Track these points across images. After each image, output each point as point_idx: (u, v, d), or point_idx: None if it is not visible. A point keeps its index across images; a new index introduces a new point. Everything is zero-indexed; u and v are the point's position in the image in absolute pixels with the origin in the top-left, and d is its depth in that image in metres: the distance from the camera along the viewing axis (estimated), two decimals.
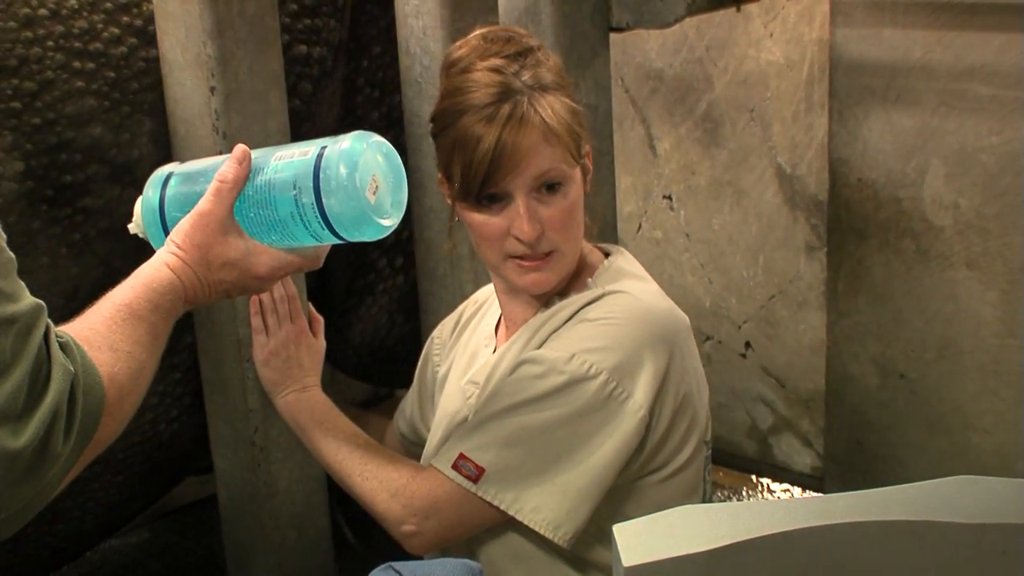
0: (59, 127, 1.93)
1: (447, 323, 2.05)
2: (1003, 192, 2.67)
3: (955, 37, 2.66)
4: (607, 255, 1.82)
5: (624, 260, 1.82)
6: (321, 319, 2.01)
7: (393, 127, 2.37)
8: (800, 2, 3.01)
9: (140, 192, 1.73)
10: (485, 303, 1.96)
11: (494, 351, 1.84)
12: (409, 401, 2.09)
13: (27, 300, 1.17)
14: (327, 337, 2.27)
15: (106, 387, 1.24)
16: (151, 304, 1.38)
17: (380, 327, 2.54)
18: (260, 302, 1.93)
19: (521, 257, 1.68)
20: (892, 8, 2.75)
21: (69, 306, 1.98)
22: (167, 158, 2.04)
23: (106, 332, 1.30)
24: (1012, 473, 2.78)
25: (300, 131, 2.14)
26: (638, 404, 1.63)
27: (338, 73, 2.29)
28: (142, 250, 1.62)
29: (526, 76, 1.63)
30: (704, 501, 1.80)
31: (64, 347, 1.20)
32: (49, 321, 1.20)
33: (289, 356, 1.93)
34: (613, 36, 2.50)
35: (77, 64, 1.94)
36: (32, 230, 1.94)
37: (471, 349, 1.90)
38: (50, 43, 1.91)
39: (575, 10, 2.37)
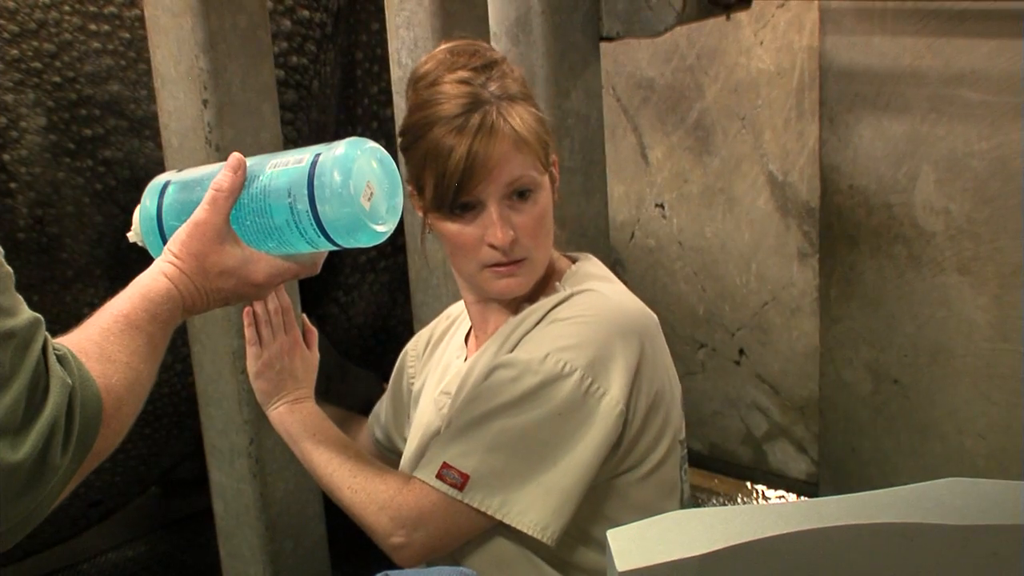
0: (78, 84, 2.10)
1: (421, 337, 2.07)
2: (993, 197, 2.68)
3: (944, 43, 2.67)
4: (574, 262, 1.84)
5: (591, 265, 1.84)
6: (315, 331, 2.01)
7: (391, 103, 2.42)
8: (790, 10, 3.03)
9: (159, 144, 1.77)
10: (458, 318, 1.98)
11: (465, 360, 1.86)
12: (384, 409, 2.11)
13: (25, 314, 1.18)
14: (330, 316, 2.29)
15: (103, 398, 1.24)
16: (148, 314, 1.38)
17: (382, 305, 2.57)
18: (254, 314, 1.93)
19: (495, 265, 1.70)
20: (881, 15, 2.76)
21: (95, 253, 2.16)
22: None
23: (103, 343, 1.30)
24: (1005, 477, 2.78)
25: (311, 89, 2.30)
26: (615, 400, 1.65)
27: (338, 39, 2.39)
28: None
29: (493, 87, 1.66)
30: (682, 501, 1.82)
31: (62, 360, 1.21)
32: (47, 334, 1.20)
33: (283, 368, 1.93)
34: (604, 45, 2.51)
35: (93, 27, 2.11)
36: (57, 180, 2.10)
37: (444, 362, 1.92)
38: (67, 7, 2.08)
39: (566, 20, 2.38)
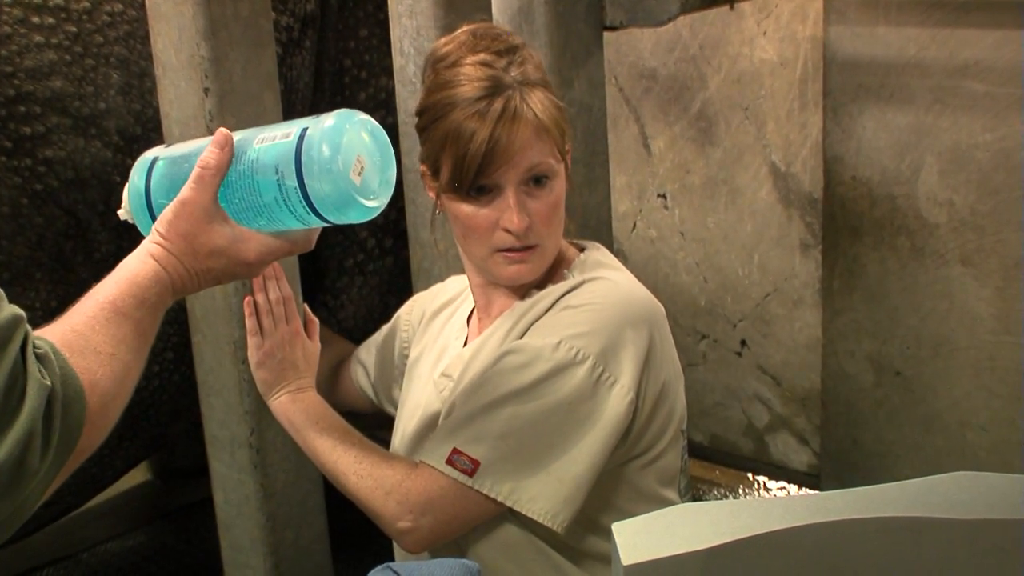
0: (17, 80, 1.97)
1: (417, 302, 2.08)
2: (997, 189, 2.67)
3: (949, 34, 2.66)
4: (582, 250, 1.85)
5: (600, 253, 1.84)
6: (316, 321, 2.01)
7: (380, 108, 2.40)
8: (793, 0, 3.02)
9: (106, 144, 1.69)
10: (459, 296, 1.98)
11: (464, 344, 1.86)
12: (374, 365, 2.12)
13: (4, 312, 1.14)
14: (319, 318, 2.28)
15: (87, 395, 1.21)
16: (136, 300, 1.34)
17: (372, 308, 2.55)
18: (255, 303, 1.93)
19: (508, 250, 1.70)
20: (886, 5, 2.75)
21: (35, 255, 2.07)
22: (139, 110, 2.06)
23: (89, 334, 1.26)
24: (1008, 470, 2.78)
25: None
26: (625, 388, 1.65)
27: (307, 43, 2.33)
28: (110, 201, 1.60)
29: (514, 72, 1.66)
30: (680, 490, 1.83)
31: (42, 358, 1.16)
32: (28, 329, 1.16)
33: (284, 358, 1.93)
34: (607, 35, 2.49)
35: (36, 19, 1.98)
36: None
37: (442, 342, 1.92)
38: None
39: (569, 9, 2.37)
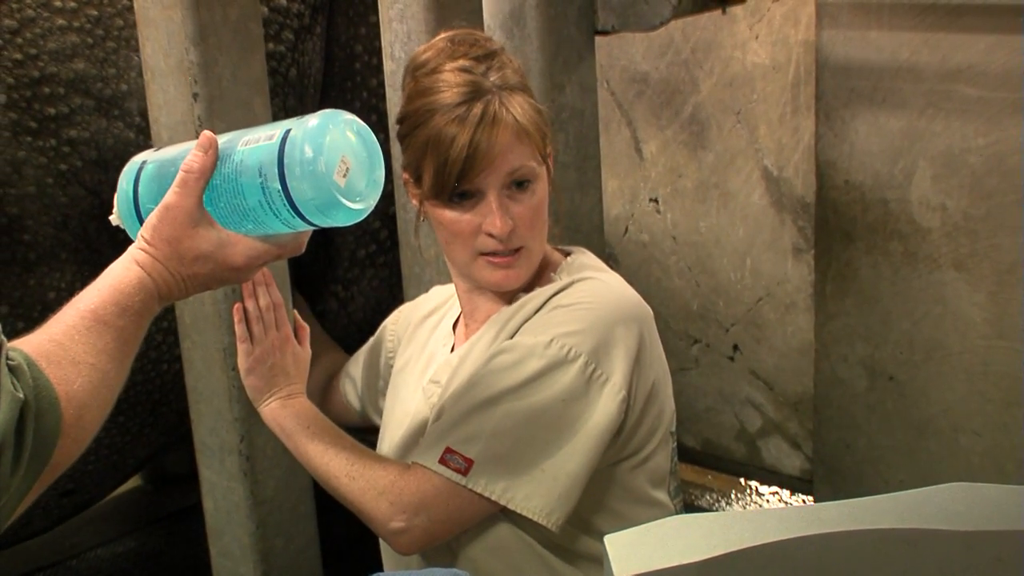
0: (41, 62, 2.04)
1: (403, 312, 2.09)
2: (990, 193, 2.66)
3: (942, 38, 2.66)
4: (567, 255, 1.85)
5: (587, 257, 1.85)
6: (307, 327, 2.00)
7: None
8: (786, 4, 3.01)
9: (128, 124, 1.69)
10: (445, 303, 1.99)
11: (452, 350, 1.86)
12: (361, 378, 2.12)
13: None
14: (329, 312, 2.27)
15: (63, 407, 1.19)
16: (119, 308, 1.32)
17: (382, 300, 2.56)
18: (244, 310, 1.92)
19: (492, 254, 1.70)
20: (878, 9, 2.75)
21: (60, 235, 2.13)
22: None
23: (67, 344, 1.25)
24: (1002, 475, 2.78)
25: (288, 76, 2.26)
26: (617, 386, 1.65)
27: (318, 29, 2.37)
28: None
29: (494, 77, 1.67)
30: (670, 492, 1.83)
31: (15, 370, 1.15)
32: (3, 339, 1.15)
33: (274, 364, 1.91)
34: (598, 39, 2.49)
35: (58, 2, 2.06)
36: (17, 160, 2.05)
37: (429, 350, 1.92)
38: None
39: (560, 14, 2.36)
